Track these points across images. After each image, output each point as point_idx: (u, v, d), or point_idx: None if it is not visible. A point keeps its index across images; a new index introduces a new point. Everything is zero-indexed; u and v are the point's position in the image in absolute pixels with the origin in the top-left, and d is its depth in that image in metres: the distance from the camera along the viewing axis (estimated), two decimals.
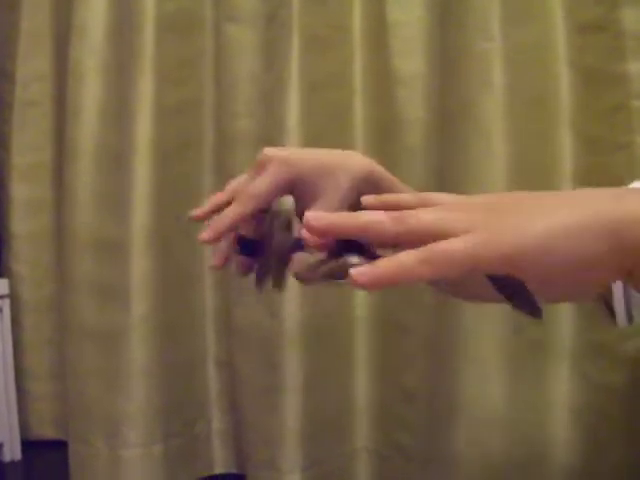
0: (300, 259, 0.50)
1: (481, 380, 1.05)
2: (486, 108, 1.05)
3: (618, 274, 0.35)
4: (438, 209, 0.39)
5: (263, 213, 0.57)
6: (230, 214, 0.57)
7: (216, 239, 0.57)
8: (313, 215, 0.38)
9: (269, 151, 0.58)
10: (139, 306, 1.20)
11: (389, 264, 0.35)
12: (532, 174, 1.05)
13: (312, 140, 1.16)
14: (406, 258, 0.35)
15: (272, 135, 1.17)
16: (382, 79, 1.13)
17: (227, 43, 1.20)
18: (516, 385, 1.05)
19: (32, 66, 1.36)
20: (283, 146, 1.14)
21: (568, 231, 0.34)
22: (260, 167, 0.58)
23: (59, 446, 1.28)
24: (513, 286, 0.38)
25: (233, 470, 1.27)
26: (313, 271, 0.43)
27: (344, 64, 1.15)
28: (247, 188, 0.57)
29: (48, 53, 1.36)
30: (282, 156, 0.58)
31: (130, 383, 1.19)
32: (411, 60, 1.11)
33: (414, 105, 1.11)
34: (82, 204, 1.22)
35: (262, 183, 0.56)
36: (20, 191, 1.36)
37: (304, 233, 0.40)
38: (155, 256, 1.21)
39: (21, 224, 1.36)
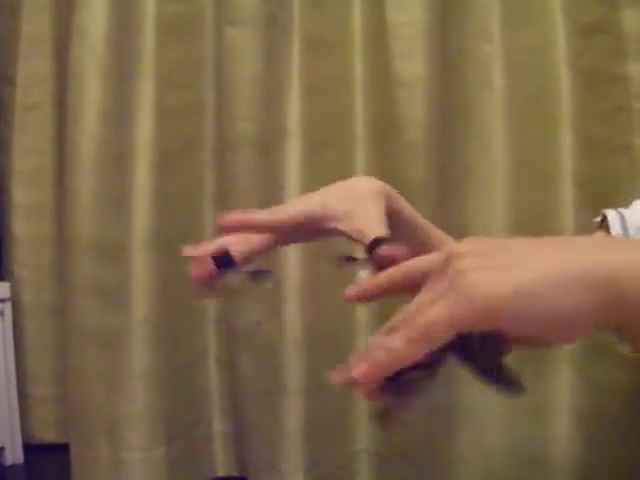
0: None
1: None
2: (486, 110, 1.05)
3: (602, 326, 0.34)
4: (423, 295, 0.37)
5: None
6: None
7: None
8: (356, 371, 0.36)
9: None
10: (140, 309, 1.20)
11: (383, 355, 0.36)
12: (532, 175, 1.05)
13: (313, 142, 1.16)
14: (396, 344, 0.35)
15: (273, 137, 1.17)
16: (383, 81, 1.13)
17: (228, 46, 1.20)
18: None
19: (33, 70, 1.36)
20: (288, 149, 1.14)
21: (547, 284, 0.33)
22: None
23: (61, 449, 1.28)
24: (490, 365, 0.38)
25: (235, 473, 1.27)
26: None
27: (345, 66, 1.15)
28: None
29: (49, 57, 1.36)
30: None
31: (132, 386, 1.19)
32: (411, 62, 1.11)
33: (415, 106, 1.11)
34: (83, 207, 1.22)
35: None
36: (21, 195, 1.36)
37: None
38: (156, 259, 1.21)
39: (22, 227, 1.36)
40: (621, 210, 0.70)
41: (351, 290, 0.44)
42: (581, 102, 1.03)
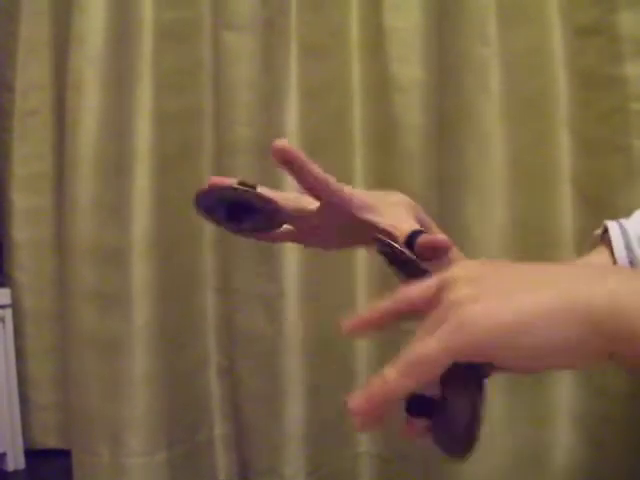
0: None
1: None
2: (484, 112, 1.05)
3: (596, 358, 0.34)
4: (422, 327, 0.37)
5: None
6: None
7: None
8: (350, 404, 0.37)
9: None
10: (141, 314, 1.20)
11: (375, 388, 0.36)
12: (530, 177, 1.05)
13: (311, 146, 1.16)
14: (388, 376, 0.36)
15: (271, 142, 1.17)
16: (380, 85, 1.13)
17: (225, 50, 1.20)
18: (517, 389, 1.05)
19: (31, 75, 1.36)
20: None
21: (542, 316, 0.33)
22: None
23: (62, 455, 1.28)
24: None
25: (236, 477, 1.27)
26: None
27: (342, 70, 1.15)
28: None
29: (47, 62, 1.36)
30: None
31: (132, 391, 1.19)
32: (409, 66, 1.11)
33: (412, 110, 1.11)
34: (83, 212, 1.22)
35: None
36: (21, 200, 1.37)
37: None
38: (156, 263, 1.22)
39: (22, 233, 1.37)
40: (623, 222, 0.68)
41: (348, 322, 0.43)
42: (578, 103, 1.04)
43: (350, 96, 1.15)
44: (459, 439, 0.38)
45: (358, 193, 0.56)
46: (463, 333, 0.34)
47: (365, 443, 1.19)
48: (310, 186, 0.54)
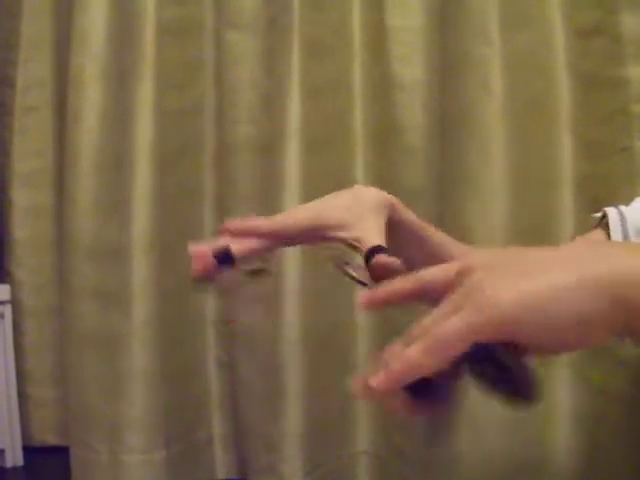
0: None
1: None
2: (485, 113, 1.05)
3: (614, 332, 0.36)
4: (440, 308, 0.37)
5: None
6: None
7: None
8: (373, 381, 0.37)
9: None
10: (140, 311, 1.20)
11: (399, 365, 0.36)
12: (531, 178, 1.05)
13: (312, 144, 1.16)
14: (412, 354, 0.36)
15: (273, 140, 1.17)
16: (382, 84, 1.13)
17: (228, 49, 1.20)
18: None
19: (33, 72, 1.36)
20: (287, 153, 1.14)
21: (561, 290, 0.34)
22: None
23: (61, 452, 1.28)
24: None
25: (234, 476, 1.27)
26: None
27: (344, 70, 1.15)
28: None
29: (49, 59, 1.36)
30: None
31: (131, 388, 1.19)
32: (411, 65, 1.11)
33: (413, 110, 1.11)
34: (83, 210, 1.22)
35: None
36: (21, 197, 1.36)
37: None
38: (156, 261, 1.21)
39: (22, 230, 1.36)
40: (622, 208, 0.70)
41: (364, 297, 0.44)
42: (580, 105, 1.04)
43: (352, 95, 1.15)
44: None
45: (322, 209, 0.59)
46: (487, 310, 0.35)
47: (364, 442, 1.19)
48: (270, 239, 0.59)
